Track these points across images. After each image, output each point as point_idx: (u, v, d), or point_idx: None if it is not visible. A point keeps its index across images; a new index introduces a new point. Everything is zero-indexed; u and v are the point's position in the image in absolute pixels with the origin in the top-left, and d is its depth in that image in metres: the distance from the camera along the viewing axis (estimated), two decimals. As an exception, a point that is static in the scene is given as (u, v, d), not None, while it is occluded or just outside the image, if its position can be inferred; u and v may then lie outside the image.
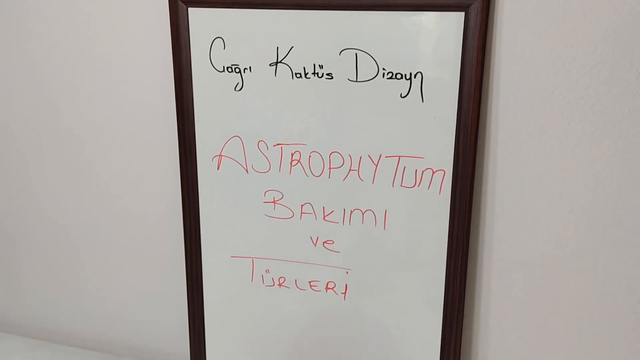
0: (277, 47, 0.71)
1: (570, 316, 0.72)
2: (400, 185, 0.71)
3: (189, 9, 0.73)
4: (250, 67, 0.73)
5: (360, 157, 0.72)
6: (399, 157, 0.71)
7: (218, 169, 0.78)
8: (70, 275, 0.96)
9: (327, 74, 0.70)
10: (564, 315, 0.73)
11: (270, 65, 0.72)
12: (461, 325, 0.74)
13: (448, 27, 0.65)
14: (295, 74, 0.71)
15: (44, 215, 0.94)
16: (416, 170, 0.70)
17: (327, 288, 0.78)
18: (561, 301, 0.72)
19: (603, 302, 0.71)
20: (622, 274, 0.69)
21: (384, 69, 0.68)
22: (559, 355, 0.74)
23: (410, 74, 0.67)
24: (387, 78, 0.68)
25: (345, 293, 0.77)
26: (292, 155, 0.75)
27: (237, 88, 0.74)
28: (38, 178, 0.93)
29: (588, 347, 0.73)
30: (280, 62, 0.71)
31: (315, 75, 0.70)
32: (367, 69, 0.68)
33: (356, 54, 0.68)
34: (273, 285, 0.80)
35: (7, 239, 0.99)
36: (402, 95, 0.68)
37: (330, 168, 0.74)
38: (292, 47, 0.70)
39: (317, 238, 0.76)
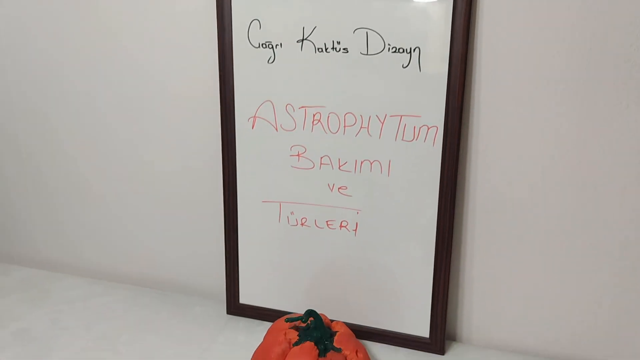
0: (303, 27, 0.88)
1: (542, 247, 0.89)
2: (402, 140, 0.88)
3: (232, -5, 0.89)
4: (280, 44, 0.89)
5: (370, 117, 0.88)
6: (401, 116, 0.87)
7: (252, 128, 0.95)
8: (120, 221, 1.14)
9: (344, 49, 0.87)
10: (537, 245, 0.89)
11: (297, 42, 0.88)
12: (450, 253, 0.90)
13: (440, 10, 0.82)
14: (318, 48, 0.88)
15: (87, 167, 1.12)
16: (414, 127, 0.87)
17: (340, 226, 0.94)
18: (533, 234, 0.89)
19: (568, 234, 0.88)
20: (582, 211, 0.86)
21: (389, 44, 0.84)
22: (531, 278, 0.91)
23: (410, 48, 0.84)
24: (392, 52, 0.85)
25: (356, 230, 0.94)
26: (313, 116, 0.91)
27: (270, 61, 0.91)
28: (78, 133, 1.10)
29: (556, 273, 0.90)
30: (305, 39, 0.88)
31: (334, 49, 0.87)
32: (375, 44, 0.85)
33: (367, 33, 0.85)
34: (296, 225, 0.97)
35: (45, 185, 1.16)
36: (404, 66, 0.85)
37: (344, 126, 0.90)
38: (315, 27, 0.87)
39: (334, 184, 0.93)
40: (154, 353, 0.94)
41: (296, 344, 0.83)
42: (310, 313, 0.84)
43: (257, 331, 1.00)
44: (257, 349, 0.87)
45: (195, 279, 1.13)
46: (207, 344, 0.97)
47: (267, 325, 1.01)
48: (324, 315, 0.89)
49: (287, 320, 0.84)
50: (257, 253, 1.01)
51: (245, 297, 1.03)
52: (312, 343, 0.83)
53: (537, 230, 0.89)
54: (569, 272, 0.89)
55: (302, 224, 0.97)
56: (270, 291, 1.01)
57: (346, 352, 0.83)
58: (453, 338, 0.98)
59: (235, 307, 1.04)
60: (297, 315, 0.86)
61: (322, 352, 0.82)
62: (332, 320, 0.91)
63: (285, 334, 0.85)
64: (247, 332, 0.99)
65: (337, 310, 0.98)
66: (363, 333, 0.96)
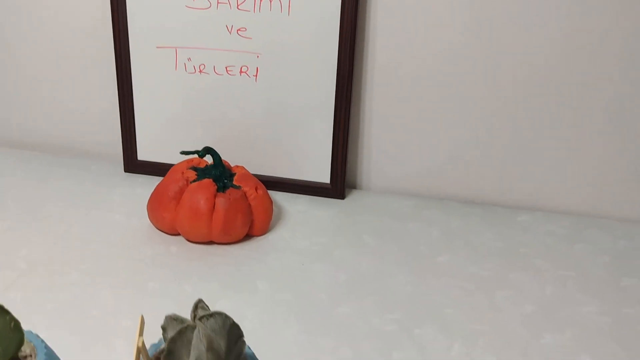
0: None
1: (436, 96, 0.92)
2: (302, -25, 0.85)
3: None
4: None
5: (268, -51, 0.84)
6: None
7: (142, -38, 0.88)
8: (5, 84, 1.05)
9: None
10: (432, 95, 0.92)
11: None
12: (349, 100, 0.90)
13: None
14: None
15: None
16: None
17: (241, 72, 0.92)
18: (429, 84, 0.91)
19: (458, 86, 0.90)
20: (465, 73, 0.89)
21: None
22: (426, 125, 0.94)
23: None
24: None
25: (256, 76, 0.91)
26: (208, -51, 0.86)
27: None
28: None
29: (449, 119, 0.93)
30: None
31: None
32: None
33: None
34: (194, 72, 0.93)
35: None
36: None
37: (242, -39, 0.86)
38: None
39: (232, 26, 0.89)
40: (43, 208, 0.90)
41: (194, 181, 0.82)
42: (208, 150, 0.83)
43: (156, 184, 0.97)
44: (153, 191, 0.85)
45: (91, 139, 1.07)
46: (104, 197, 0.94)
47: (168, 180, 0.99)
48: (225, 161, 0.88)
49: (182, 153, 0.81)
50: (153, 105, 0.96)
51: (144, 154, 0.99)
52: (211, 180, 0.82)
53: (432, 81, 0.91)
54: (459, 117, 0.93)
55: (200, 71, 0.93)
56: (169, 145, 0.98)
57: (245, 189, 0.83)
58: (353, 186, 1.01)
59: (133, 164, 1.00)
60: (193, 150, 0.83)
61: (221, 188, 0.82)
62: (232, 166, 0.90)
63: (182, 173, 0.83)
64: (145, 186, 0.96)
65: (238, 161, 0.96)
66: (265, 183, 0.95)
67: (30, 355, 0.53)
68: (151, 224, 0.86)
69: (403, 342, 0.67)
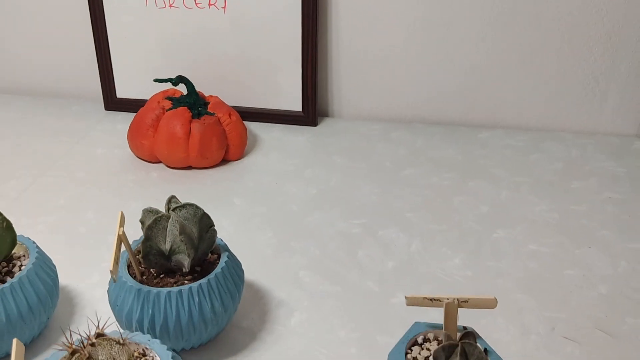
0: None
1: (399, 33, 0.96)
2: None
3: None
4: None
5: None
6: None
7: None
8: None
9: None
10: (396, 33, 0.95)
11: None
12: (316, 28, 0.93)
13: None
14: None
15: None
16: None
17: (209, 4, 0.94)
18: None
19: (419, 21, 0.94)
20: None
21: None
22: (392, 49, 0.98)
23: None
24: None
25: (225, 7, 0.95)
26: None
27: None
28: None
29: (417, 44, 0.97)
30: None
31: None
32: None
33: None
34: (165, 7, 0.96)
35: None
36: None
37: None
38: None
39: (198, -41, 0.92)
40: (28, 146, 0.95)
41: (170, 109, 0.86)
42: (181, 78, 0.86)
43: (136, 121, 1.02)
44: (132, 120, 0.89)
45: (70, 81, 1.10)
46: (86, 133, 0.98)
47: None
48: (200, 92, 0.92)
49: (155, 81, 0.86)
50: (128, 43, 1.00)
51: (122, 91, 1.03)
52: (186, 107, 0.86)
53: (397, 9, 0.95)
54: (423, 44, 0.96)
55: (170, 5, 0.95)
56: (146, 82, 0.99)
57: (219, 115, 0.88)
58: (325, 115, 1.06)
59: (112, 102, 1.04)
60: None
61: (196, 115, 0.86)
62: (206, 96, 0.94)
63: (159, 102, 0.87)
64: (125, 122, 1.00)
65: (213, 93, 0.99)
66: (241, 114, 0.99)
67: (24, 256, 0.58)
68: (132, 155, 0.91)
69: (367, 242, 0.73)
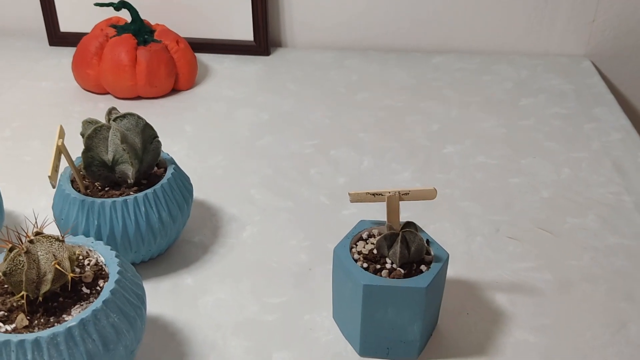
0: None
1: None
2: None
3: None
4: None
5: None
6: None
7: None
8: None
9: None
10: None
11: None
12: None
13: None
14: None
15: None
16: None
17: None
18: None
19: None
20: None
21: None
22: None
23: None
24: None
25: None
26: None
27: None
28: None
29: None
30: None
31: None
32: None
33: None
34: None
35: None
36: None
37: None
38: None
39: None
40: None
41: (114, 37, 0.84)
42: (124, 3, 0.83)
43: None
44: (75, 52, 0.86)
45: (13, 17, 1.05)
46: (30, 68, 0.95)
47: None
48: (146, 20, 0.89)
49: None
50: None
51: (66, 25, 0.99)
52: (130, 34, 0.83)
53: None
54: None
55: None
56: (90, 14, 0.95)
57: (166, 42, 0.85)
58: (279, 45, 1.04)
59: (56, 37, 1.00)
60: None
61: (142, 42, 0.84)
62: (153, 24, 0.91)
63: (102, 30, 0.85)
64: (70, 57, 0.95)
65: (159, 22, 0.95)
66: (191, 46, 0.96)
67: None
68: (79, 87, 0.88)
69: (319, 161, 0.74)
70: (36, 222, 0.40)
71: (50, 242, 0.40)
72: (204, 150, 0.76)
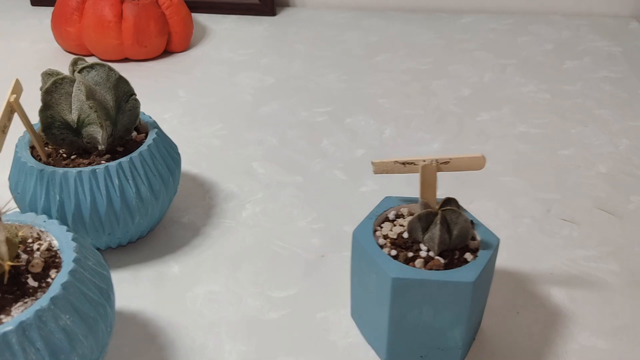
0: None
1: None
2: None
3: None
4: None
5: None
6: None
7: None
8: None
9: None
10: None
11: None
12: None
13: None
14: None
15: None
16: None
17: None
18: None
19: None
20: None
21: None
22: None
23: None
24: None
25: None
26: None
27: None
28: None
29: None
30: None
31: None
32: None
33: None
34: None
35: None
36: None
37: None
38: None
39: None
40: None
41: (98, -11, 0.73)
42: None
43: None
44: (54, 8, 0.76)
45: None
46: (9, 28, 0.85)
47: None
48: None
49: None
50: None
51: (49, -18, 0.90)
52: (116, -14, 0.73)
53: None
54: None
55: None
56: None
57: (158, -4, 0.75)
58: (286, 4, 0.94)
59: (39, -4, 0.91)
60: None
61: (129, -5, 0.74)
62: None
63: (83, -19, 0.74)
64: (56, 18, 0.87)
65: None
66: (187, 4, 0.86)
67: None
68: (60, 48, 0.78)
69: (333, 130, 0.63)
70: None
71: (-21, 220, 0.30)
72: (200, 118, 0.65)
